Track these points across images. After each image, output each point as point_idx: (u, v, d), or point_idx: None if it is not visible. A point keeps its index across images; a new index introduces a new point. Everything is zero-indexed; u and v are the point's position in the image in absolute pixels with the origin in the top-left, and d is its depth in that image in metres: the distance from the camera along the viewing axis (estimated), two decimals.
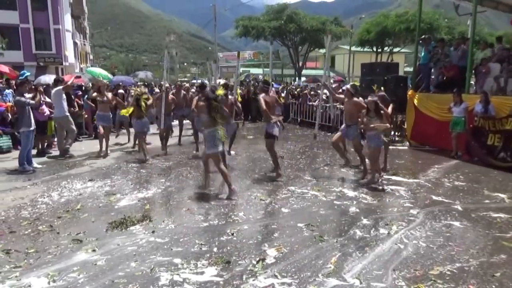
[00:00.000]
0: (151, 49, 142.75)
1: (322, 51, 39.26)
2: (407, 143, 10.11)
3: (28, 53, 27.69)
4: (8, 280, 3.23)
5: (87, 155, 8.50)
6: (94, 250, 3.77)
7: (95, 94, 8.67)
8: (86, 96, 10.85)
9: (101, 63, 71.06)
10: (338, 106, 10.69)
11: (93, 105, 9.70)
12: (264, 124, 6.98)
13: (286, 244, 3.92)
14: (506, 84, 8.45)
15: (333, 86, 12.41)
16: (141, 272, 3.37)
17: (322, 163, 7.86)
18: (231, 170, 7.05)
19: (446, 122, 8.56)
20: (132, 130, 9.20)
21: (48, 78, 14.17)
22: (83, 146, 9.51)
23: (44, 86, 10.69)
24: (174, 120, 9.79)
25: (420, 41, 10.31)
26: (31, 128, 7.09)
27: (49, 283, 3.19)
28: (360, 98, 6.75)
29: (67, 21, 30.79)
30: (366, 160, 6.60)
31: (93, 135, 10.59)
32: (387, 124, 6.20)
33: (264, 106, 6.28)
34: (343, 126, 7.03)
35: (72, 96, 9.98)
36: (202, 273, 3.36)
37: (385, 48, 37.15)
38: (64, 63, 29.18)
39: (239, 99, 10.22)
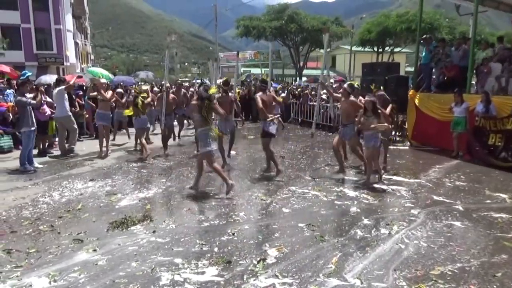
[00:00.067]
0: (152, 49, 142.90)
1: (323, 51, 39.19)
2: (408, 143, 10.10)
3: (29, 53, 27.71)
4: (9, 280, 3.23)
5: (88, 155, 8.51)
6: (95, 250, 3.77)
7: (95, 93, 8.68)
8: (86, 96, 10.86)
9: (102, 63, 71.21)
10: (338, 105, 10.66)
11: (94, 104, 9.72)
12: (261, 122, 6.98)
13: (287, 244, 3.92)
14: (507, 84, 8.43)
15: (334, 86, 12.39)
16: (142, 272, 3.37)
17: (323, 163, 7.85)
18: (231, 170, 7.07)
19: (447, 122, 8.55)
20: (131, 130, 9.20)
21: (49, 78, 14.21)
22: (84, 146, 9.51)
23: (45, 86, 10.73)
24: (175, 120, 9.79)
25: (421, 41, 10.29)
26: (32, 128, 7.10)
27: (50, 283, 3.19)
28: (360, 98, 6.74)
29: (68, 21, 30.83)
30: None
31: (94, 135, 10.60)
32: (387, 124, 6.19)
33: (260, 105, 6.29)
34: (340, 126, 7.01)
35: (73, 96, 9.99)
36: (203, 273, 3.36)
37: (386, 48, 37.10)
38: (65, 63, 29.21)
39: (238, 99, 10.21)
